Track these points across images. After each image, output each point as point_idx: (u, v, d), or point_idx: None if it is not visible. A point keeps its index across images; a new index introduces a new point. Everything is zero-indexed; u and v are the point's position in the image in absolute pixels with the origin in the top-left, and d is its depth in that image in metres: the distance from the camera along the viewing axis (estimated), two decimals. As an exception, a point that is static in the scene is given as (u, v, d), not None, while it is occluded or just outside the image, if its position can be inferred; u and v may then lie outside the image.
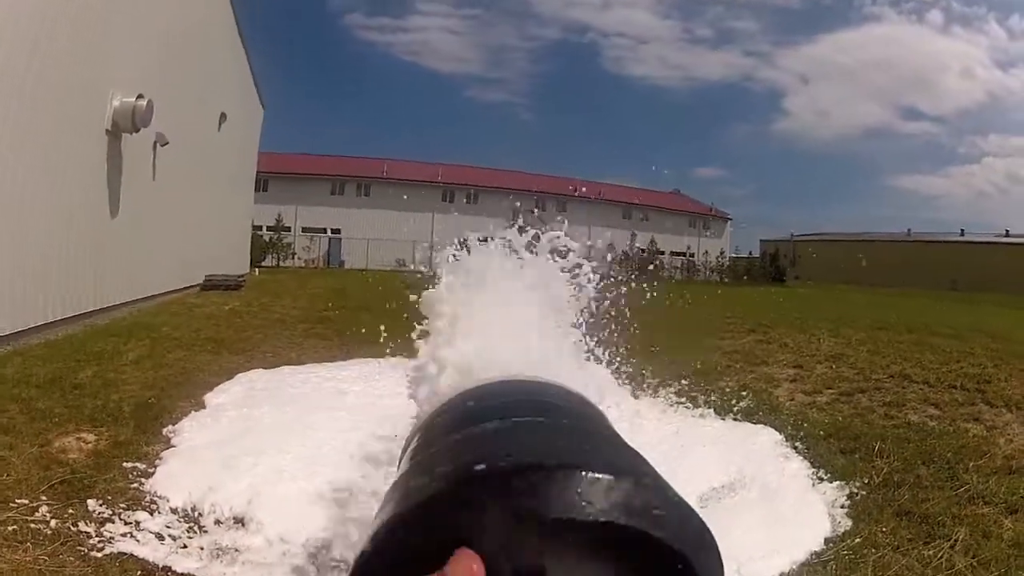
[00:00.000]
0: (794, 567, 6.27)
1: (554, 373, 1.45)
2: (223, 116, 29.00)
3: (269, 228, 77.33)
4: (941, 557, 6.30)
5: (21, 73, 12.18)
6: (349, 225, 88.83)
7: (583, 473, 0.87)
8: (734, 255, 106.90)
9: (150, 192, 19.80)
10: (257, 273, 42.10)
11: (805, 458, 9.00)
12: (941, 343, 16.95)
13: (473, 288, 2.82)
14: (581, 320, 4.44)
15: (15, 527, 5.86)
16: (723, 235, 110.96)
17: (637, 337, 7.68)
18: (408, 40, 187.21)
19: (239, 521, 6.66)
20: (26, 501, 6.34)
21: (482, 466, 0.90)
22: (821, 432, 9.97)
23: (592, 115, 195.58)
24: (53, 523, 6.05)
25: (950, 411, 11.06)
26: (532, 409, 1.16)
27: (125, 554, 5.79)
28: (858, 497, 7.78)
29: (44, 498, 6.46)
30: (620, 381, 9.35)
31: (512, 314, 2.27)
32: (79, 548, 5.75)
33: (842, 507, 7.56)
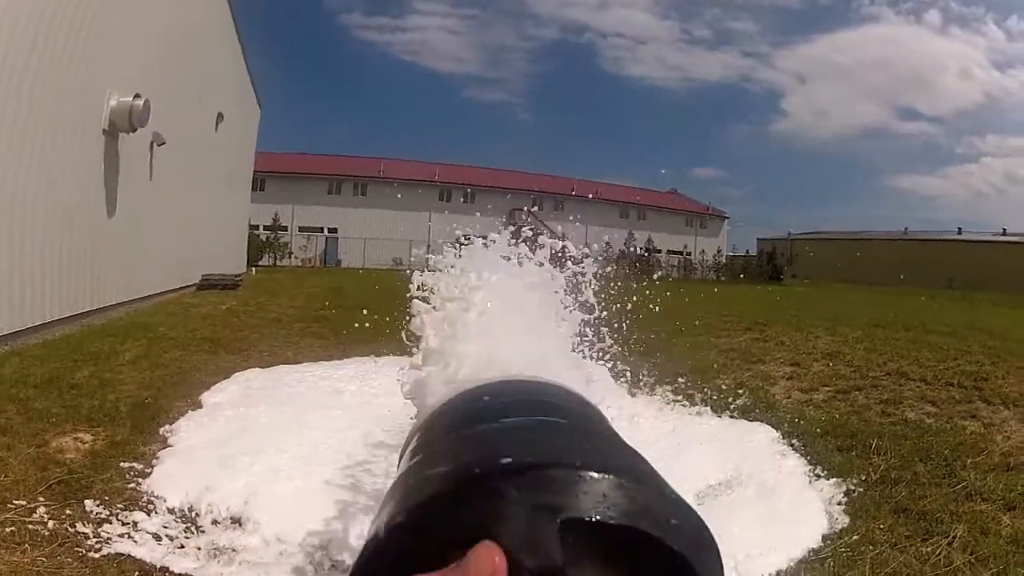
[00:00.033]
0: (791, 564, 6.27)
1: (553, 373, 1.45)
2: (220, 116, 29.00)
3: (266, 227, 77.29)
4: (939, 554, 6.30)
5: (19, 72, 12.18)
6: (346, 224, 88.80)
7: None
8: (731, 254, 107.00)
9: (147, 192, 19.80)
10: (254, 272, 42.12)
11: (802, 455, 9.01)
12: (938, 341, 16.94)
13: (470, 288, 2.82)
14: (578, 319, 4.44)
15: (13, 528, 5.86)
16: (720, 234, 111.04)
17: (634, 335, 7.68)
18: (406, 40, 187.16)
19: (236, 521, 6.66)
20: (24, 502, 6.33)
21: (508, 459, 0.90)
22: (818, 429, 9.98)
23: (590, 115, 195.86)
24: (51, 524, 6.04)
25: (947, 408, 11.06)
26: (532, 409, 1.15)
27: (123, 555, 5.79)
28: (855, 494, 7.78)
29: (42, 499, 6.46)
30: (616, 379, 9.35)
31: (510, 314, 2.27)
32: (77, 549, 5.75)
33: (839, 504, 7.57)
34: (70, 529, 6.03)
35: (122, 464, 7.56)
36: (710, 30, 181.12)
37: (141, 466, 7.62)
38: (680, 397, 11.89)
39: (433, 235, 77.39)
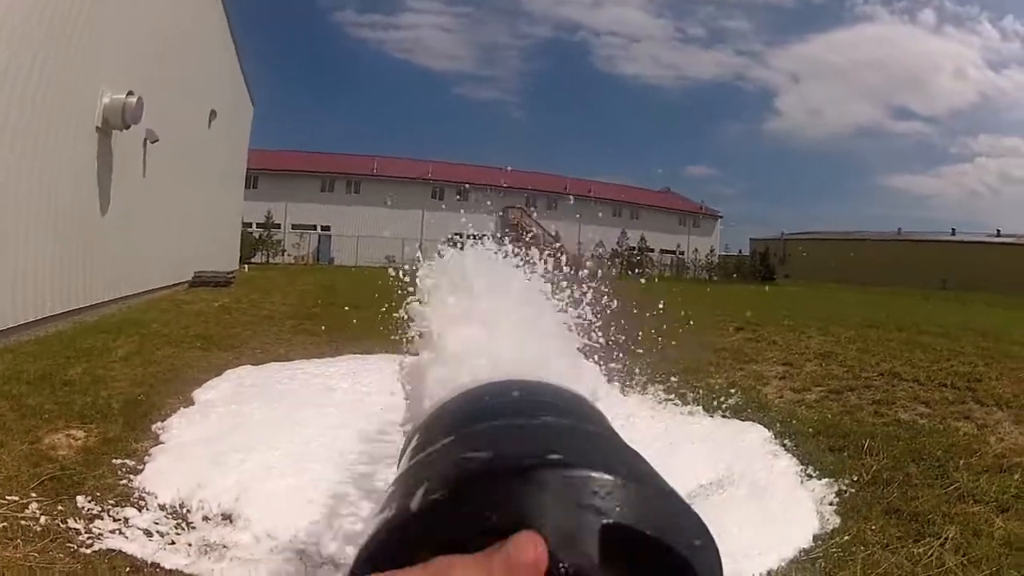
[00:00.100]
0: (783, 564, 6.27)
1: (552, 373, 1.45)
2: (213, 113, 28.94)
3: (259, 225, 77.29)
4: (931, 555, 6.30)
5: (12, 70, 12.15)
6: (339, 222, 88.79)
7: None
8: (724, 253, 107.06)
9: (140, 189, 19.78)
10: (247, 270, 42.03)
11: (794, 455, 9.01)
12: (931, 342, 16.97)
13: (467, 287, 2.81)
14: (573, 318, 4.43)
15: (5, 524, 5.85)
16: (713, 233, 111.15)
17: (625, 334, 7.68)
18: (400, 37, 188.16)
19: (227, 517, 6.65)
20: (16, 498, 6.33)
21: (557, 455, 0.90)
22: (810, 429, 9.99)
23: (583, 113, 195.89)
24: (43, 520, 6.04)
25: (940, 409, 11.07)
26: (532, 409, 1.15)
27: (114, 550, 5.79)
28: (847, 495, 7.79)
29: (34, 495, 6.46)
30: (608, 378, 9.35)
31: (507, 313, 2.26)
32: (68, 544, 5.75)
33: (831, 504, 7.57)
34: (62, 525, 6.02)
35: (114, 461, 7.56)
36: (704, 29, 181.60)
37: (133, 463, 7.61)
38: (672, 396, 11.90)
39: (427, 233, 77.51)
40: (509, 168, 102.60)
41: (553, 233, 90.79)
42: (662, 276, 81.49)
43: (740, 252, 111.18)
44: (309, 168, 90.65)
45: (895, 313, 27.21)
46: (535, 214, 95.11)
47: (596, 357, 5.92)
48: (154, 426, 8.79)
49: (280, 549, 6.19)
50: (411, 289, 3.68)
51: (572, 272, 4.64)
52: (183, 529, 6.43)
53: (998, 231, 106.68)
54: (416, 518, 0.85)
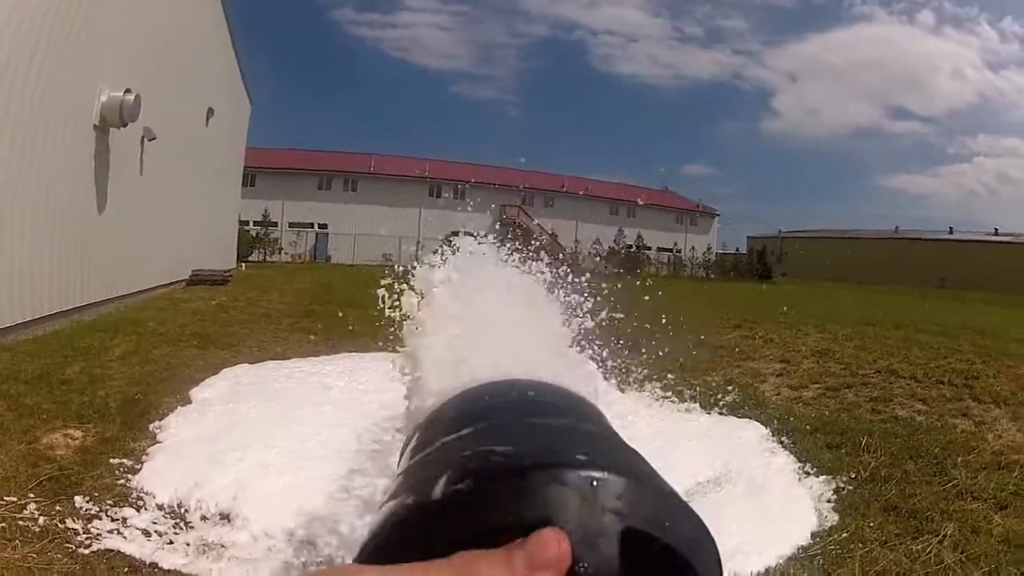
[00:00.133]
0: (780, 561, 6.27)
1: (552, 373, 1.45)
2: (210, 111, 28.91)
3: (256, 223, 77.17)
4: (929, 552, 6.31)
5: (10, 68, 12.14)
6: (336, 220, 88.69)
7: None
8: (721, 251, 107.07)
9: (137, 187, 19.75)
10: (244, 268, 42.02)
11: (791, 453, 9.03)
12: (928, 339, 16.96)
13: (465, 287, 2.81)
14: (571, 317, 4.43)
15: (3, 524, 5.85)
16: (710, 231, 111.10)
17: (623, 332, 7.68)
18: (397, 36, 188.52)
19: (225, 517, 6.67)
20: (14, 498, 6.33)
21: (583, 456, 0.90)
22: (807, 427, 10.00)
23: (581, 112, 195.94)
24: (41, 520, 6.04)
25: (938, 406, 11.07)
26: (532, 409, 1.15)
27: (112, 550, 5.79)
28: (845, 492, 7.80)
29: (32, 495, 6.46)
30: (606, 376, 9.35)
31: (506, 312, 2.26)
32: (67, 545, 5.75)
33: (828, 502, 7.58)
34: (60, 525, 6.02)
35: (112, 460, 7.56)
36: (701, 28, 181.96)
37: (131, 462, 7.62)
38: (669, 394, 11.92)
39: (424, 231, 77.48)
40: (523, 160, 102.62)
41: (550, 232, 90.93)
42: (659, 274, 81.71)
43: (737, 250, 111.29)
44: (306, 166, 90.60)
45: (892, 311, 27.20)
46: (531, 212, 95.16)
47: (593, 354, 5.92)
48: (151, 425, 8.79)
49: (278, 548, 6.19)
50: (407, 288, 3.67)
51: (569, 271, 4.63)
52: (181, 529, 6.44)
53: (996, 230, 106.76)
54: (437, 507, 0.85)
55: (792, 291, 49.65)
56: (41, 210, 13.83)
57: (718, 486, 7.97)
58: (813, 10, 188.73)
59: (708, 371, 13.46)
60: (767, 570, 6.14)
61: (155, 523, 6.43)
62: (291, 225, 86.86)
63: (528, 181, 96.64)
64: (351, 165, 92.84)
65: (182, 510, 6.72)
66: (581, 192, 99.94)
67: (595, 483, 0.85)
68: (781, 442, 9.42)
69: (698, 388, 12.13)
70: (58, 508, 6.31)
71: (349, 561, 0.88)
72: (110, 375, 10.93)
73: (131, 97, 16.51)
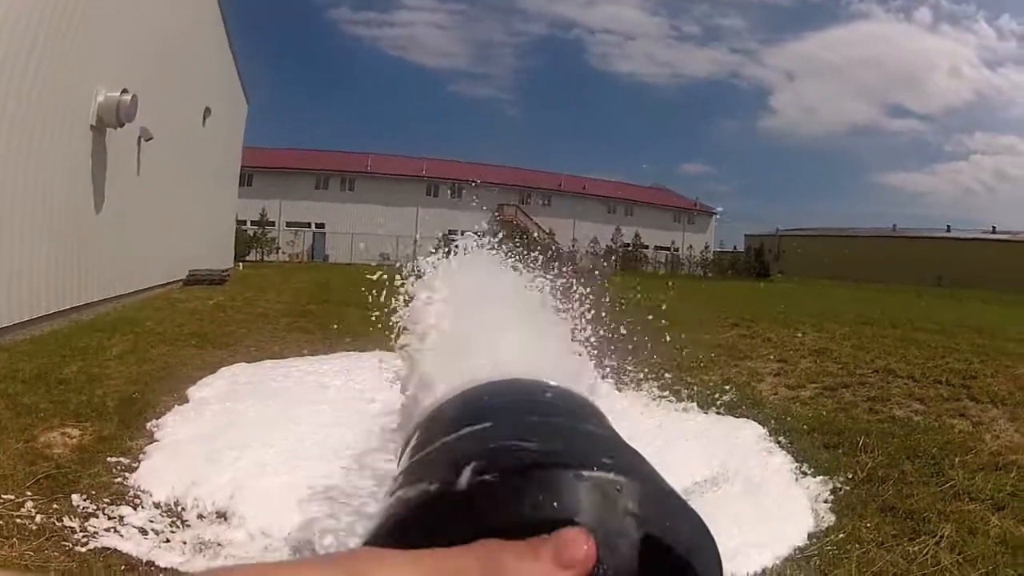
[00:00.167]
0: (777, 562, 6.26)
1: (551, 373, 1.45)
2: (208, 110, 28.87)
3: (253, 223, 77.28)
4: (926, 553, 6.30)
5: (7, 68, 12.14)
6: (333, 220, 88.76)
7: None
8: (718, 250, 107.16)
9: (134, 187, 19.74)
10: (241, 268, 42.05)
11: (788, 452, 9.02)
12: (926, 339, 16.98)
13: (463, 288, 2.81)
14: (568, 316, 4.43)
15: (1, 522, 5.85)
16: (707, 230, 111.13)
17: (621, 330, 7.68)
18: (394, 34, 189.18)
19: (222, 515, 6.66)
20: (12, 496, 6.33)
21: (610, 459, 0.90)
22: (804, 426, 9.99)
23: (578, 111, 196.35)
24: (38, 518, 6.03)
25: (935, 406, 11.08)
26: (532, 408, 1.15)
27: (109, 549, 5.79)
28: (842, 492, 7.79)
29: (29, 493, 6.46)
30: (603, 375, 9.35)
31: (504, 313, 2.26)
32: (64, 543, 5.75)
33: (825, 502, 7.57)
34: (57, 523, 6.02)
35: (109, 459, 7.55)
36: (699, 26, 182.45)
37: (128, 461, 7.61)
38: (666, 393, 11.92)
39: (421, 231, 77.47)
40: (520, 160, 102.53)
41: (547, 230, 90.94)
42: (657, 273, 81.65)
43: (735, 249, 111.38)
44: (304, 166, 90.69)
45: (890, 310, 27.25)
46: (529, 211, 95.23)
47: (591, 354, 5.92)
48: (149, 424, 8.79)
49: (275, 547, 6.18)
50: (403, 287, 3.68)
51: (566, 270, 4.63)
52: (178, 527, 6.43)
53: (993, 228, 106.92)
54: (462, 496, 0.85)
55: (789, 289, 49.75)
56: (38, 210, 13.82)
57: (715, 486, 7.96)
58: (810, 8, 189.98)
59: (705, 370, 13.47)
60: (764, 570, 6.12)
61: (152, 521, 6.42)
62: (288, 225, 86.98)
63: (525, 180, 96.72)
64: (348, 164, 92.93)
65: (179, 509, 6.71)
66: (578, 191, 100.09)
67: (620, 487, 0.86)
68: (778, 442, 9.41)
69: (695, 387, 12.14)
70: (55, 506, 6.31)
71: (378, 525, 0.88)
72: (107, 374, 10.93)
73: (128, 97, 16.50)
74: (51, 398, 9.25)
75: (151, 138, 20.05)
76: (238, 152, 41.02)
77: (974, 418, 10.47)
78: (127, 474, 7.30)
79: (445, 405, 1.30)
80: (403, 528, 0.85)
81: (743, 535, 6.54)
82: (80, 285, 16.24)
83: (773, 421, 10.25)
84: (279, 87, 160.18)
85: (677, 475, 7.97)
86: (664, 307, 9.55)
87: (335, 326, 13.65)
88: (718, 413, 10.95)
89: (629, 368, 11.97)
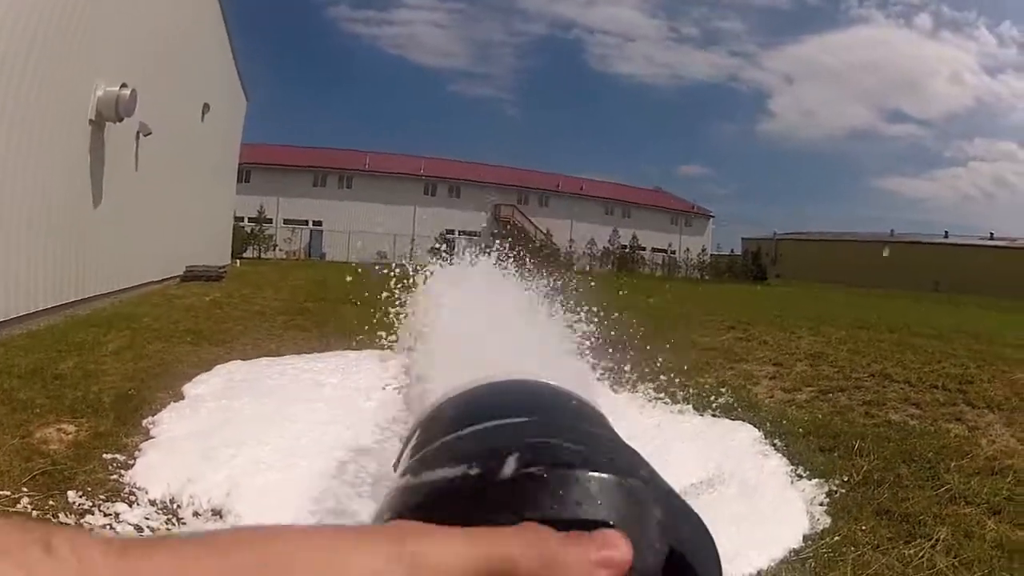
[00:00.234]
0: (772, 564, 6.27)
1: (551, 372, 1.45)
2: (206, 107, 28.87)
3: (251, 219, 77.12)
4: (922, 556, 6.31)
5: (8, 62, 12.14)
6: (331, 217, 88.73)
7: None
8: (716, 253, 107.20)
9: (132, 182, 19.74)
10: (238, 264, 41.99)
11: (784, 455, 9.03)
12: (923, 343, 16.99)
13: (462, 290, 2.84)
14: (567, 317, 4.45)
15: (-4, 519, 5.85)
16: (705, 233, 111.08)
17: (617, 332, 7.71)
18: (394, 33, 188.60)
19: (217, 513, 6.66)
20: (7, 492, 6.33)
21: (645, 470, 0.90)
22: (800, 430, 10.00)
23: (577, 112, 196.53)
24: (34, 514, 6.04)
25: (931, 411, 11.09)
26: (532, 408, 1.15)
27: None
28: (837, 495, 7.80)
29: (25, 489, 6.46)
30: (600, 376, 9.37)
31: (501, 314, 2.28)
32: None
33: (821, 505, 7.58)
34: (53, 520, 6.02)
35: (105, 455, 7.55)
36: (698, 29, 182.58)
37: (124, 457, 7.61)
38: (662, 395, 11.89)
39: (418, 228, 77.50)
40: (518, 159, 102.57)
41: (545, 231, 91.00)
42: (654, 275, 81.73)
43: (732, 252, 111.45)
44: (302, 163, 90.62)
45: (886, 314, 27.27)
46: (527, 212, 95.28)
47: (587, 355, 5.94)
48: (145, 421, 8.78)
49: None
50: (401, 287, 3.69)
51: (563, 271, 4.65)
52: (173, 524, 6.44)
53: (991, 234, 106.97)
54: (505, 484, 0.84)
55: (786, 293, 49.71)
56: (37, 204, 13.82)
57: (711, 488, 7.97)
58: (810, 12, 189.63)
59: (701, 373, 13.46)
60: (759, 573, 6.13)
61: (147, 519, 6.42)
62: (286, 222, 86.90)
63: (523, 180, 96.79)
64: (346, 162, 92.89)
65: (175, 506, 6.72)
66: (576, 192, 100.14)
67: (653, 498, 0.86)
68: (774, 445, 9.42)
69: (691, 390, 12.12)
70: (51, 503, 6.31)
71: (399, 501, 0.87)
72: (104, 370, 10.92)
73: (127, 92, 16.50)
74: (47, 394, 9.25)
75: (150, 133, 20.05)
76: (236, 149, 41.07)
77: (970, 423, 10.48)
78: (123, 471, 7.30)
79: (442, 406, 1.30)
80: (436, 506, 0.85)
81: (738, 537, 6.55)
82: (77, 280, 16.24)
83: (769, 424, 10.25)
84: (278, 84, 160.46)
85: (672, 477, 7.95)
86: (661, 309, 9.58)
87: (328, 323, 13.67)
88: (714, 415, 10.94)
89: (625, 369, 11.98)
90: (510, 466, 0.85)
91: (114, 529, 6.12)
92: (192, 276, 27.30)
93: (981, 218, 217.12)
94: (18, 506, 6.13)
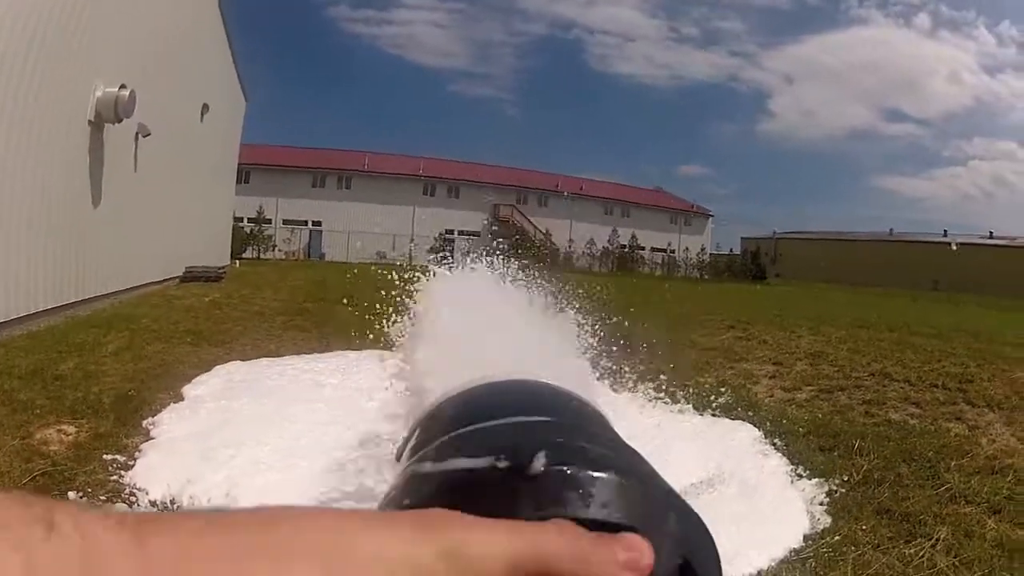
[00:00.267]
0: (772, 564, 6.26)
1: (551, 373, 1.44)
2: (206, 107, 28.85)
3: (250, 220, 77.18)
4: (922, 556, 6.30)
5: (7, 63, 12.13)
6: (330, 218, 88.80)
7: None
8: (715, 252, 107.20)
9: (132, 183, 19.74)
10: (238, 265, 41.97)
11: (784, 455, 9.02)
12: (923, 342, 16.97)
13: (462, 290, 2.84)
14: (564, 317, 4.44)
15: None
16: (704, 232, 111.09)
17: (616, 332, 7.70)
18: (393, 33, 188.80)
19: (217, 513, 6.66)
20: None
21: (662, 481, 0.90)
22: (800, 429, 9.99)
23: (577, 111, 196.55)
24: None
25: (931, 410, 11.07)
26: (532, 407, 1.14)
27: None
28: (837, 495, 7.78)
29: (25, 490, 6.45)
30: (599, 376, 9.35)
31: (501, 315, 2.28)
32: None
33: (821, 504, 7.57)
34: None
35: (105, 456, 7.55)
36: (698, 29, 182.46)
37: (124, 458, 7.61)
38: (662, 395, 11.88)
39: (417, 229, 77.55)
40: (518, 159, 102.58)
41: (544, 231, 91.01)
42: (653, 275, 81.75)
43: (732, 251, 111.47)
44: (301, 163, 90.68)
45: (886, 313, 27.25)
46: (526, 212, 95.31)
47: (587, 355, 5.93)
48: (144, 422, 8.79)
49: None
50: (400, 287, 3.68)
51: (562, 270, 4.64)
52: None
53: (991, 233, 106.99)
54: (533, 479, 0.84)
55: (786, 292, 49.71)
56: (37, 205, 13.82)
57: (711, 487, 7.96)
58: (810, 12, 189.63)
59: (701, 372, 13.45)
60: (759, 572, 6.12)
61: (147, 519, 6.43)
62: (285, 222, 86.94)
63: (523, 180, 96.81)
64: (345, 163, 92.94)
65: (174, 506, 6.71)
66: (576, 191, 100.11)
67: (675, 510, 0.86)
68: (774, 444, 9.41)
69: (691, 389, 12.12)
70: (51, 504, 6.30)
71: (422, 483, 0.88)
72: (104, 371, 10.92)
73: (126, 93, 16.49)
74: (47, 394, 9.25)
75: (149, 134, 20.04)
76: (236, 149, 41.08)
77: (970, 422, 10.47)
78: (123, 472, 7.31)
79: (441, 405, 1.29)
80: (461, 494, 0.85)
81: (738, 537, 6.54)
82: (77, 281, 16.24)
83: (769, 423, 10.24)
84: (277, 84, 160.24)
85: (672, 477, 7.94)
86: (661, 309, 9.57)
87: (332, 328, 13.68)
88: (714, 415, 10.94)
89: (625, 369, 11.97)
90: (540, 462, 0.85)
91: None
92: (191, 277, 27.28)
93: (980, 218, 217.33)
94: (18, 507, 6.12)
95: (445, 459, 0.92)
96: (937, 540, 6.57)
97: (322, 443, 8.34)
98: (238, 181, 44.59)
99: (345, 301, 15.10)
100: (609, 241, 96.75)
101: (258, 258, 69.27)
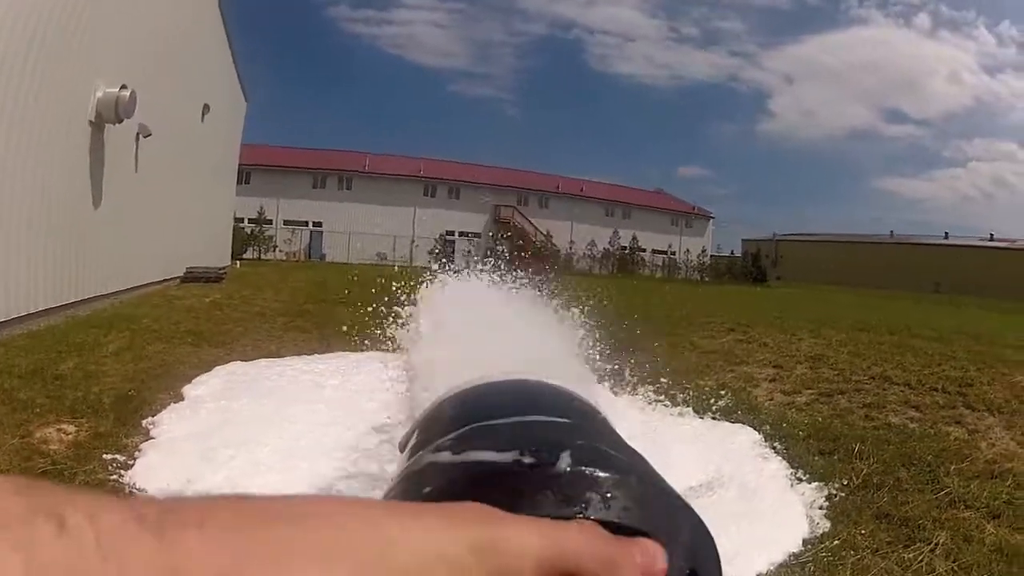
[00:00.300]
0: (771, 567, 6.26)
1: (551, 373, 1.45)
2: (206, 108, 28.86)
3: (251, 220, 77.18)
4: (921, 561, 6.30)
5: (7, 63, 12.13)
6: (331, 218, 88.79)
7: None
8: (716, 254, 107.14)
9: (132, 183, 19.75)
10: (238, 266, 41.95)
11: (784, 458, 9.01)
12: (923, 345, 16.93)
13: (462, 291, 2.83)
14: (564, 319, 4.44)
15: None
16: (705, 234, 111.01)
17: (616, 334, 7.69)
18: (393, 33, 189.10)
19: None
20: (6, 492, 6.32)
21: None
22: (800, 432, 9.99)
23: (577, 112, 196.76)
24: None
25: (931, 414, 11.05)
26: (532, 407, 1.15)
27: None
28: (837, 498, 7.78)
29: (24, 490, 6.45)
30: (599, 378, 9.34)
31: (501, 315, 2.27)
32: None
33: (820, 508, 7.56)
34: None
35: (105, 456, 7.56)
36: (698, 29, 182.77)
37: (124, 458, 7.61)
38: (662, 397, 11.89)
39: (417, 230, 77.54)
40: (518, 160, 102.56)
41: (545, 232, 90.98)
42: (653, 276, 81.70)
43: (732, 253, 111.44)
44: (301, 164, 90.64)
45: (887, 316, 27.19)
46: (527, 213, 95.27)
47: (587, 357, 5.92)
48: (144, 421, 8.79)
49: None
50: (398, 286, 3.68)
51: (562, 273, 4.63)
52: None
53: (991, 235, 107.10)
54: (557, 477, 0.86)
55: (786, 295, 49.63)
56: (38, 205, 13.82)
57: (710, 490, 7.96)
58: (810, 12, 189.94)
59: (701, 375, 13.45)
60: (758, 575, 6.13)
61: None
62: (286, 223, 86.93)
63: (523, 181, 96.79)
64: (346, 163, 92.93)
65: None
66: (576, 193, 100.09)
67: (688, 521, 0.87)
68: (774, 447, 9.40)
69: (691, 392, 12.12)
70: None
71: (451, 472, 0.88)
72: (104, 371, 10.92)
73: (127, 93, 16.49)
74: (47, 394, 9.25)
75: (149, 134, 20.05)
76: (236, 150, 41.09)
77: (970, 426, 10.45)
78: (123, 471, 7.32)
79: (441, 405, 1.30)
80: (482, 486, 0.86)
81: (737, 540, 6.54)
82: (77, 281, 16.24)
83: (768, 426, 10.24)
84: (278, 85, 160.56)
85: (672, 479, 7.93)
86: (661, 311, 9.56)
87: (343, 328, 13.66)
88: (713, 418, 10.94)
89: (625, 371, 11.96)
90: (565, 462, 0.85)
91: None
92: (192, 277, 27.27)
93: (981, 219, 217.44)
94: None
95: (465, 451, 0.93)
96: (936, 545, 6.57)
97: (322, 444, 8.35)
98: (239, 182, 44.60)
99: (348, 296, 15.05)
100: (610, 243, 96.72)
101: (259, 259, 69.25)
